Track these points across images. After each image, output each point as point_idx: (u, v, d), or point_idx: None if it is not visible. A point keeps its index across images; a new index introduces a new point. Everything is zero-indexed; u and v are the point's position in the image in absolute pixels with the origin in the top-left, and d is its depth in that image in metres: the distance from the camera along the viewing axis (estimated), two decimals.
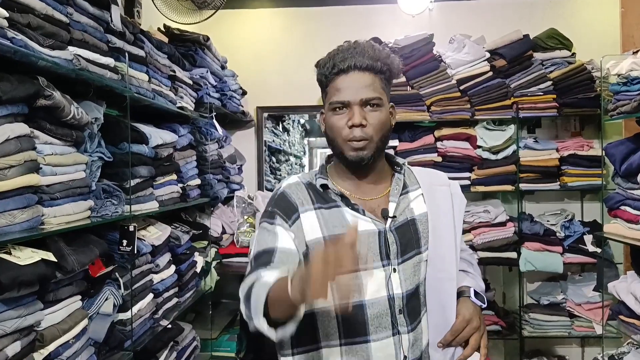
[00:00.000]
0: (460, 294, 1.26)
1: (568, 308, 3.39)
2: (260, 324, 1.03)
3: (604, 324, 3.08)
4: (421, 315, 1.25)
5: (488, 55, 3.36)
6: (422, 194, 1.30)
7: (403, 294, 1.21)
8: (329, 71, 1.22)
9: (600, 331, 3.25)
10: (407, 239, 1.24)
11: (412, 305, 1.23)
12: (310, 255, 1.18)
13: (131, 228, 1.97)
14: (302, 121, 6.34)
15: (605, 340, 2.92)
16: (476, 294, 1.27)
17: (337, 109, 1.22)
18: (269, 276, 1.08)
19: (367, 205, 1.26)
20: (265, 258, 1.18)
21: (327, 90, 1.25)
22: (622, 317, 2.27)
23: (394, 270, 1.21)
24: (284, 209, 1.24)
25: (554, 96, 3.35)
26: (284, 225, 1.22)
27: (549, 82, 3.35)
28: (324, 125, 1.29)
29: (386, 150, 1.34)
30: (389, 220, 1.23)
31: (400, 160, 1.35)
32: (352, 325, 1.19)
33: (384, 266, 1.21)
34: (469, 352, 1.19)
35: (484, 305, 1.27)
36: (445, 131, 3.39)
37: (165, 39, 2.83)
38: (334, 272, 0.87)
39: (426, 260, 1.25)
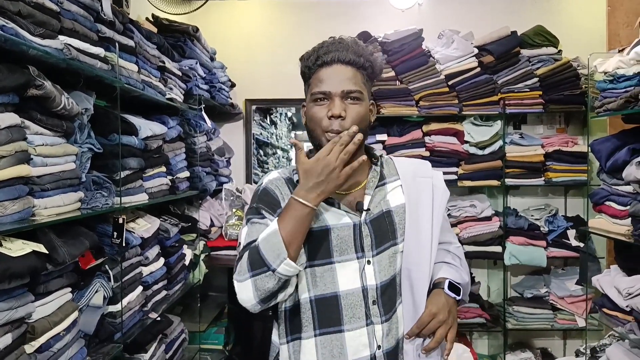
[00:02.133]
0: (436, 285, 1.27)
1: (551, 301, 3.45)
2: (288, 266, 1.11)
3: (586, 317, 3.15)
4: (397, 306, 1.26)
5: (476, 51, 3.39)
6: (401, 185, 1.31)
7: (377, 285, 1.23)
8: (312, 63, 1.25)
9: (582, 324, 3.32)
10: (382, 231, 1.25)
11: (388, 296, 1.24)
12: None
13: (120, 220, 1.95)
14: (289, 114, 6.33)
15: (587, 332, 2.99)
16: (452, 286, 1.26)
17: (319, 100, 1.24)
18: (265, 232, 1.15)
19: (344, 199, 1.27)
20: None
21: (310, 82, 1.27)
22: (605, 309, 2.32)
23: (368, 262, 1.23)
24: (268, 203, 1.27)
25: (540, 92, 3.39)
26: (271, 218, 1.25)
27: (536, 79, 3.39)
28: (305, 117, 1.31)
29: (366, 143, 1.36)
30: (364, 213, 1.25)
31: (377, 152, 1.36)
32: (327, 316, 1.22)
33: (358, 258, 1.23)
34: (432, 345, 1.21)
35: (459, 298, 1.26)
36: (434, 126, 3.41)
37: (154, 29, 2.79)
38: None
39: (402, 251, 1.26)
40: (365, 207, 1.25)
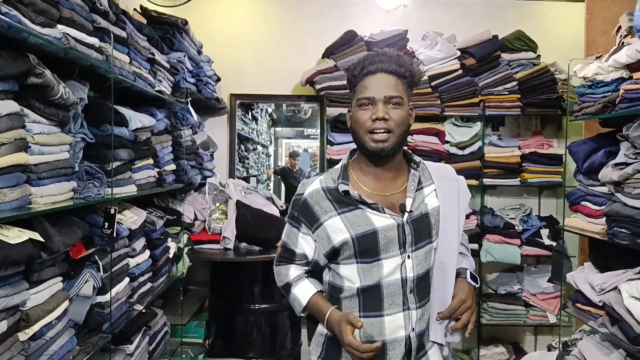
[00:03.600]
0: (459, 274, 1.44)
1: (524, 298, 3.57)
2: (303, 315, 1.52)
3: (559, 313, 3.27)
4: (429, 295, 1.43)
5: (459, 53, 3.48)
6: (435, 189, 1.45)
7: (414, 277, 1.39)
8: (358, 72, 1.39)
9: (553, 320, 3.45)
10: (421, 230, 1.41)
11: (422, 286, 1.40)
12: (341, 250, 1.41)
13: (112, 211, 1.95)
14: (269, 110, 6.33)
15: (557, 328, 3.10)
16: (471, 275, 1.45)
17: (364, 105, 1.38)
18: (299, 292, 1.50)
19: (387, 200, 1.41)
20: (289, 255, 1.52)
21: (356, 89, 1.41)
22: (578, 304, 2.42)
23: (408, 257, 1.39)
24: (307, 217, 1.44)
25: (519, 96, 3.50)
26: (307, 232, 1.46)
27: (515, 82, 3.49)
28: (350, 121, 1.44)
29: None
30: (406, 214, 1.40)
31: (416, 157, 1.50)
32: (370, 303, 1.39)
33: (400, 254, 1.38)
34: (459, 325, 1.39)
35: (477, 285, 1.46)
36: (416, 126, 3.48)
37: (143, 21, 2.78)
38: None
39: (435, 248, 1.42)
40: (408, 209, 1.40)
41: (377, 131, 1.35)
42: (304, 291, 1.49)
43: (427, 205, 1.43)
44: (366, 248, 1.37)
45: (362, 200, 1.39)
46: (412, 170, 1.46)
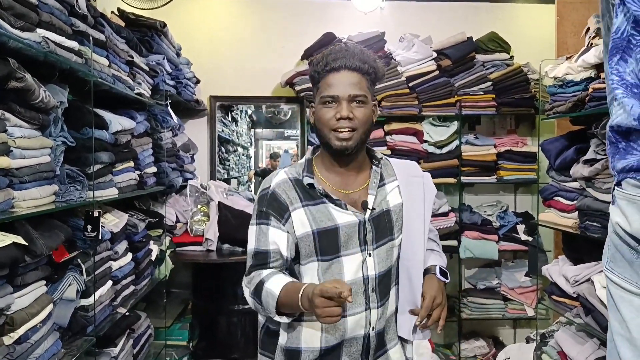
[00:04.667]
0: (428, 271, 1.42)
1: (502, 292, 3.66)
2: (277, 318, 1.32)
3: (537, 306, 3.37)
4: (390, 292, 1.41)
5: (435, 54, 3.54)
6: (398, 185, 1.44)
7: (376, 275, 1.37)
8: (321, 68, 1.35)
9: (530, 313, 3.54)
10: (382, 228, 1.39)
11: (384, 284, 1.38)
12: (301, 245, 1.37)
13: (95, 214, 1.96)
14: (249, 112, 6.35)
15: (535, 320, 3.19)
16: (441, 271, 1.43)
17: (327, 103, 1.35)
18: (272, 285, 1.31)
19: (349, 197, 1.39)
20: (262, 258, 1.37)
21: (319, 85, 1.38)
22: (554, 296, 2.50)
23: (369, 254, 1.37)
24: (276, 209, 1.37)
25: (493, 96, 3.58)
26: (278, 226, 1.37)
27: (489, 83, 3.57)
28: (313, 117, 1.42)
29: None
30: (368, 211, 1.38)
31: (378, 154, 1.48)
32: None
33: (361, 251, 1.36)
34: (430, 323, 1.36)
35: (447, 281, 1.43)
36: (395, 126, 3.55)
37: (121, 23, 2.78)
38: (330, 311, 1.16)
39: (398, 245, 1.40)
40: (370, 207, 1.38)
41: (342, 130, 1.33)
42: (278, 280, 1.31)
43: (389, 202, 1.41)
44: (326, 244, 1.34)
45: (326, 194, 1.37)
46: (373, 167, 1.44)
